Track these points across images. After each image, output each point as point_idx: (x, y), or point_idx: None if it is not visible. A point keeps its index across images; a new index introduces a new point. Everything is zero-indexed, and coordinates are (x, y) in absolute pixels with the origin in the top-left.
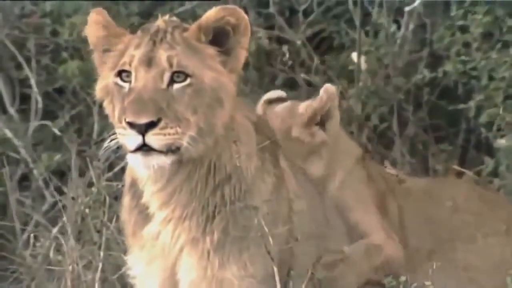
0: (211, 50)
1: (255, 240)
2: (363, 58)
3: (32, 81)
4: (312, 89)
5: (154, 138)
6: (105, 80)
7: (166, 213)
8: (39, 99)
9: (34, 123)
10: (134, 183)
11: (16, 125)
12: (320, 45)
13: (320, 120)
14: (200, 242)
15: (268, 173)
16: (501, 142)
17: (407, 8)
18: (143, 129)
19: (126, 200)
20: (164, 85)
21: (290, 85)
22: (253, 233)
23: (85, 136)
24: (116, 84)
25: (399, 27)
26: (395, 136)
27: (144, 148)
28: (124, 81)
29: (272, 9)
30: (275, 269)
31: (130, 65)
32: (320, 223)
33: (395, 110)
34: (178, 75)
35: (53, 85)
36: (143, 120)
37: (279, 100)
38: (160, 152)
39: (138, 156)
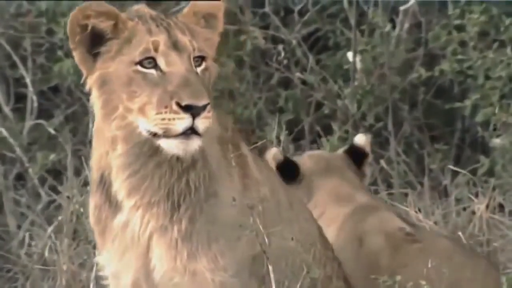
0: (208, 35)
1: (224, 231)
2: (358, 57)
3: (28, 80)
4: (307, 88)
5: (202, 121)
6: (103, 69)
7: (134, 200)
8: (34, 98)
9: (29, 122)
10: (102, 178)
11: (11, 124)
12: (315, 45)
13: None
14: (169, 231)
15: (230, 163)
16: (497, 141)
17: (402, 7)
18: (198, 112)
19: (95, 199)
20: (194, 69)
21: (286, 84)
22: (221, 222)
23: (81, 135)
24: (138, 71)
25: (394, 26)
26: (390, 135)
27: (188, 132)
28: (147, 68)
29: (267, 9)
30: (270, 267)
31: (156, 51)
32: (284, 208)
33: (390, 109)
34: (196, 59)
35: (48, 84)
36: (203, 101)
37: None
38: (198, 135)
39: (180, 140)
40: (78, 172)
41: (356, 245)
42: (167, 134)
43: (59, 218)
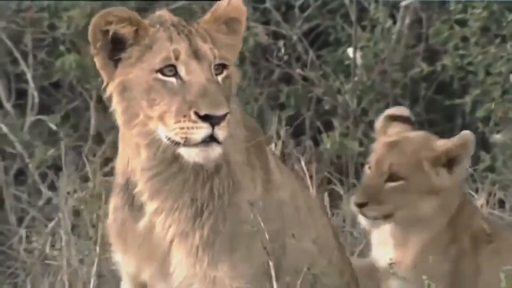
0: (229, 41)
1: (245, 239)
2: (358, 53)
3: (29, 76)
4: (308, 84)
5: (222, 131)
6: (123, 76)
7: (157, 203)
8: (35, 93)
9: (30, 118)
10: (127, 182)
11: (12, 120)
12: (316, 40)
13: (448, 162)
14: (190, 237)
15: (254, 167)
16: (497, 137)
17: (403, 3)
18: (218, 121)
19: (115, 201)
20: (215, 77)
21: (286, 80)
22: (243, 231)
23: (82, 130)
24: (158, 79)
25: (395, 22)
26: None
27: (207, 140)
28: (167, 76)
29: (268, 4)
30: (271, 263)
31: (176, 59)
32: (303, 212)
33: (391, 105)
34: (217, 67)
35: (49, 79)
36: (222, 111)
37: (402, 118)
38: (218, 143)
39: (200, 148)
40: (79, 167)
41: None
42: (186, 143)
43: (60, 214)
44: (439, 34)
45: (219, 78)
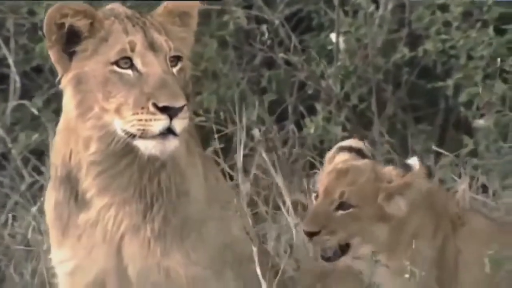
0: (183, 34)
1: (196, 226)
2: (341, 38)
3: (10, 61)
4: (291, 69)
5: (180, 122)
6: (78, 69)
7: (107, 198)
8: (17, 78)
9: (12, 103)
10: (69, 176)
11: None
12: (298, 25)
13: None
14: (141, 230)
15: (193, 154)
16: (480, 122)
17: None
18: (176, 113)
19: (56, 195)
20: (171, 69)
21: (269, 65)
22: (193, 219)
23: None
24: (114, 72)
25: (377, 7)
26: (374, 116)
27: (164, 132)
28: (123, 68)
29: None
30: (254, 249)
31: (132, 51)
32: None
33: (373, 90)
34: (172, 59)
35: (30, 64)
36: (180, 103)
37: (352, 149)
38: (175, 136)
39: (157, 140)
40: None
41: None
42: (143, 135)
43: (42, 199)
44: (422, 19)
45: (174, 70)
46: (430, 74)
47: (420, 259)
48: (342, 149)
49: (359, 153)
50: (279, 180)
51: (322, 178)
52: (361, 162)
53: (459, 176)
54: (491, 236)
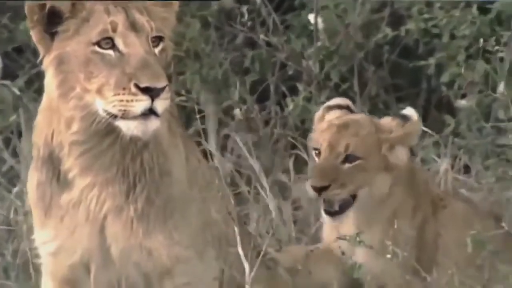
0: (164, 14)
1: (178, 206)
2: (320, 18)
3: None
4: (272, 50)
5: (161, 103)
6: (60, 49)
7: (89, 178)
8: None
9: None
10: (51, 156)
11: None
12: (280, 5)
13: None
14: (124, 211)
15: (175, 134)
16: (462, 102)
17: None
18: (158, 94)
19: (38, 176)
20: (153, 50)
21: (250, 45)
22: (176, 199)
23: None
24: (95, 52)
25: None
26: (355, 96)
27: (146, 113)
28: (105, 48)
29: None
30: (236, 229)
31: (114, 31)
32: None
33: (355, 70)
34: (154, 39)
35: (12, 44)
36: (162, 84)
37: (340, 106)
38: (157, 116)
39: (139, 121)
40: None
41: None
42: (125, 116)
43: (24, 179)
44: None
45: (156, 50)
46: (413, 53)
47: (401, 239)
48: (330, 107)
49: (348, 110)
50: (254, 163)
51: (320, 135)
52: (359, 116)
53: (441, 156)
54: (470, 221)
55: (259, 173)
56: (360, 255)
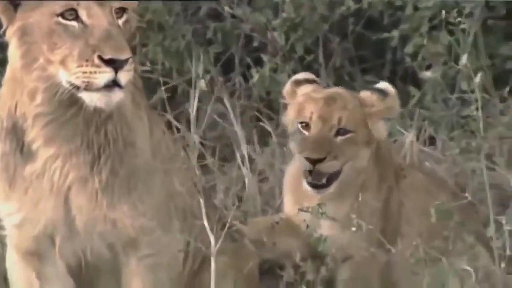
0: None
1: (143, 177)
2: None
3: None
4: (236, 21)
5: (125, 74)
6: (24, 20)
7: (53, 149)
8: None
9: None
10: (14, 127)
11: None
12: None
13: None
14: (89, 182)
15: (140, 106)
16: (427, 74)
17: None
18: (121, 65)
19: (3, 146)
20: (116, 21)
21: (215, 17)
22: (140, 171)
23: None
24: (59, 23)
25: None
26: (320, 67)
27: (109, 84)
28: (68, 20)
29: None
30: (202, 201)
31: (77, 2)
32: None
33: (320, 41)
34: (117, 11)
35: None
36: (125, 55)
37: (308, 81)
38: (120, 88)
39: (102, 93)
40: None
41: None
42: (88, 87)
43: None
44: None
45: (120, 22)
46: (377, 25)
47: (368, 211)
48: (299, 82)
49: (316, 83)
50: (238, 129)
51: (304, 107)
52: (339, 90)
53: (407, 128)
54: (429, 191)
55: (241, 140)
56: (325, 228)
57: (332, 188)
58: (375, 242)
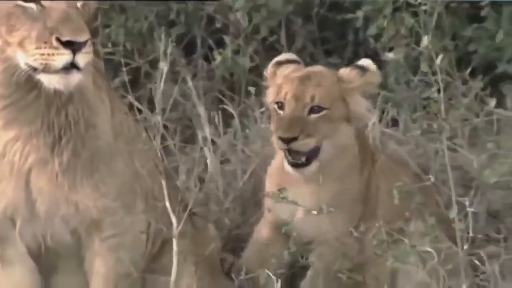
0: None
1: (105, 159)
2: None
3: None
4: (199, 3)
5: (83, 57)
6: None
7: (13, 132)
8: None
9: None
10: None
11: None
12: None
13: None
14: (49, 164)
15: (101, 88)
16: (390, 55)
17: None
18: (79, 47)
19: None
20: (75, 3)
21: None
22: (102, 152)
23: None
24: (17, 5)
25: None
26: (283, 48)
27: (67, 67)
28: (27, 1)
29: None
30: (163, 183)
31: None
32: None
33: (283, 23)
34: None
35: None
36: (84, 37)
37: (290, 61)
38: (78, 70)
39: (60, 75)
40: None
41: None
42: (46, 69)
43: None
44: None
45: (78, 4)
46: (340, 6)
47: (351, 194)
48: (280, 63)
49: (298, 63)
50: (201, 111)
51: (281, 88)
52: (319, 67)
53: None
54: (396, 173)
55: (204, 121)
56: (300, 212)
57: (313, 167)
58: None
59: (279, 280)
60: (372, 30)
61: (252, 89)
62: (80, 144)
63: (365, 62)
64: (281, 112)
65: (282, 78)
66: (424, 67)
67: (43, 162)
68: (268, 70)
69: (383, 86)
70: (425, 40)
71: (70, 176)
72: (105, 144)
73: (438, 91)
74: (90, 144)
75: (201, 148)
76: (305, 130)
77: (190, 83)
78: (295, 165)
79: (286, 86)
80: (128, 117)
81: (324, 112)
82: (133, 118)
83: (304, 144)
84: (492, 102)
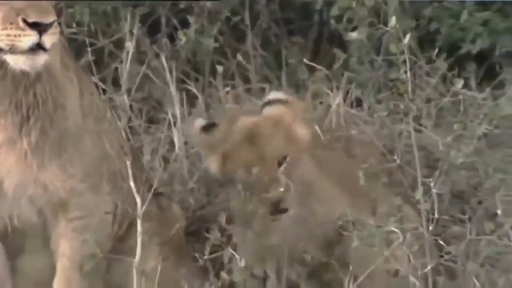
0: None
1: (73, 139)
2: None
3: None
4: None
5: (50, 38)
6: None
7: None
8: None
9: None
10: None
11: None
12: None
13: None
14: (17, 143)
15: (68, 68)
16: (353, 35)
17: None
18: (46, 29)
19: None
20: None
21: None
22: (70, 132)
23: None
24: None
25: None
26: (247, 29)
27: (34, 48)
28: None
29: None
30: (128, 163)
31: None
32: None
33: (246, 2)
34: None
35: None
36: (50, 19)
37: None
38: (45, 51)
39: (27, 56)
40: None
41: None
42: (12, 50)
43: None
44: None
45: None
46: None
47: None
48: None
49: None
50: (172, 89)
51: None
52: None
53: (333, 90)
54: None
55: (175, 101)
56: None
57: None
58: None
59: None
60: (334, 11)
61: (220, 68)
62: (49, 123)
63: (277, 95)
64: None
65: None
66: (393, 47)
67: (11, 141)
68: None
69: (346, 67)
70: (393, 20)
71: (39, 155)
72: (74, 125)
73: (405, 71)
74: (59, 124)
75: (167, 128)
76: None
77: (164, 62)
78: None
79: None
80: (96, 97)
81: None
82: (100, 97)
83: None
84: (460, 83)
